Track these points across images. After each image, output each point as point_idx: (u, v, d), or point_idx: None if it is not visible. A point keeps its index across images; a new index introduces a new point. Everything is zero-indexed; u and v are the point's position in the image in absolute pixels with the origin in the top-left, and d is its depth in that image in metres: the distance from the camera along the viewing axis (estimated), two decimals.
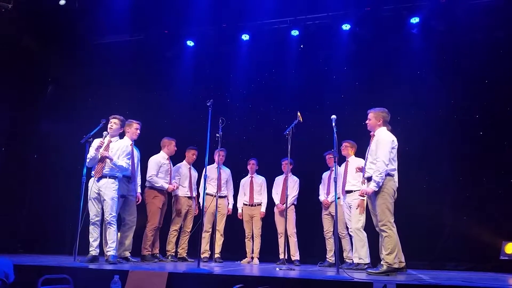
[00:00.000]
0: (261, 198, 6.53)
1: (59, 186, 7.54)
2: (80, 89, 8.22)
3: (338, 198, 5.97)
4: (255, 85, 7.96)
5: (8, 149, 7.43)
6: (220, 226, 6.30)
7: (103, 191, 4.95)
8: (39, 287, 3.21)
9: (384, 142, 4.45)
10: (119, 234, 5.26)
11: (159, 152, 6.12)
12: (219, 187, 6.08)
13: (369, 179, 4.50)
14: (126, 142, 5.38)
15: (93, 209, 4.96)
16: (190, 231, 6.25)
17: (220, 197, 6.16)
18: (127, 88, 8.00)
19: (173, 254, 6.17)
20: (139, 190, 5.71)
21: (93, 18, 7.59)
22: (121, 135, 5.40)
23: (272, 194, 6.55)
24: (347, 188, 5.72)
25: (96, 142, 5.04)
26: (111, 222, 4.94)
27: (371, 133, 4.74)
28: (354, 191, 5.59)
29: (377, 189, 4.37)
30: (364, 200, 5.30)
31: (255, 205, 6.49)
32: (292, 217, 6.32)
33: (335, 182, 4.18)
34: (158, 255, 5.89)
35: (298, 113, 5.44)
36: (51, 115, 8.04)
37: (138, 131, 5.55)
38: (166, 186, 5.86)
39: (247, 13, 7.45)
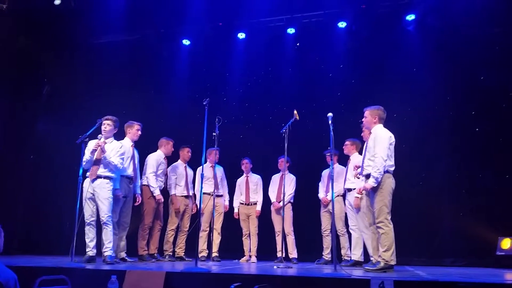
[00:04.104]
0: (257, 196, 6.52)
1: (56, 186, 7.50)
2: (76, 89, 8.17)
3: (337, 196, 6.01)
4: (251, 84, 7.95)
5: (4, 150, 7.37)
6: (218, 225, 6.29)
7: (97, 192, 4.95)
8: None
9: (381, 139, 4.45)
10: None
11: (155, 151, 6.10)
12: (216, 186, 6.06)
13: (368, 176, 4.49)
14: (124, 142, 5.42)
15: (88, 210, 4.96)
16: (188, 230, 6.24)
17: (217, 196, 6.15)
18: (123, 88, 7.95)
19: (171, 253, 6.16)
20: (138, 191, 5.71)
21: (89, 18, 7.53)
22: (119, 136, 5.37)
23: (268, 192, 6.54)
24: (346, 186, 5.76)
25: (91, 144, 5.03)
26: (107, 222, 4.93)
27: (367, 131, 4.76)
28: (353, 189, 5.60)
29: (375, 185, 4.36)
30: (359, 198, 5.32)
31: (251, 204, 6.48)
32: (289, 215, 6.32)
33: (332, 179, 4.24)
34: (156, 254, 5.88)
35: (295, 111, 5.44)
36: (47, 115, 8.01)
37: (139, 132, 5.68)
38: (158, 192, 5.80)
39: (243, 12, 7.43)
